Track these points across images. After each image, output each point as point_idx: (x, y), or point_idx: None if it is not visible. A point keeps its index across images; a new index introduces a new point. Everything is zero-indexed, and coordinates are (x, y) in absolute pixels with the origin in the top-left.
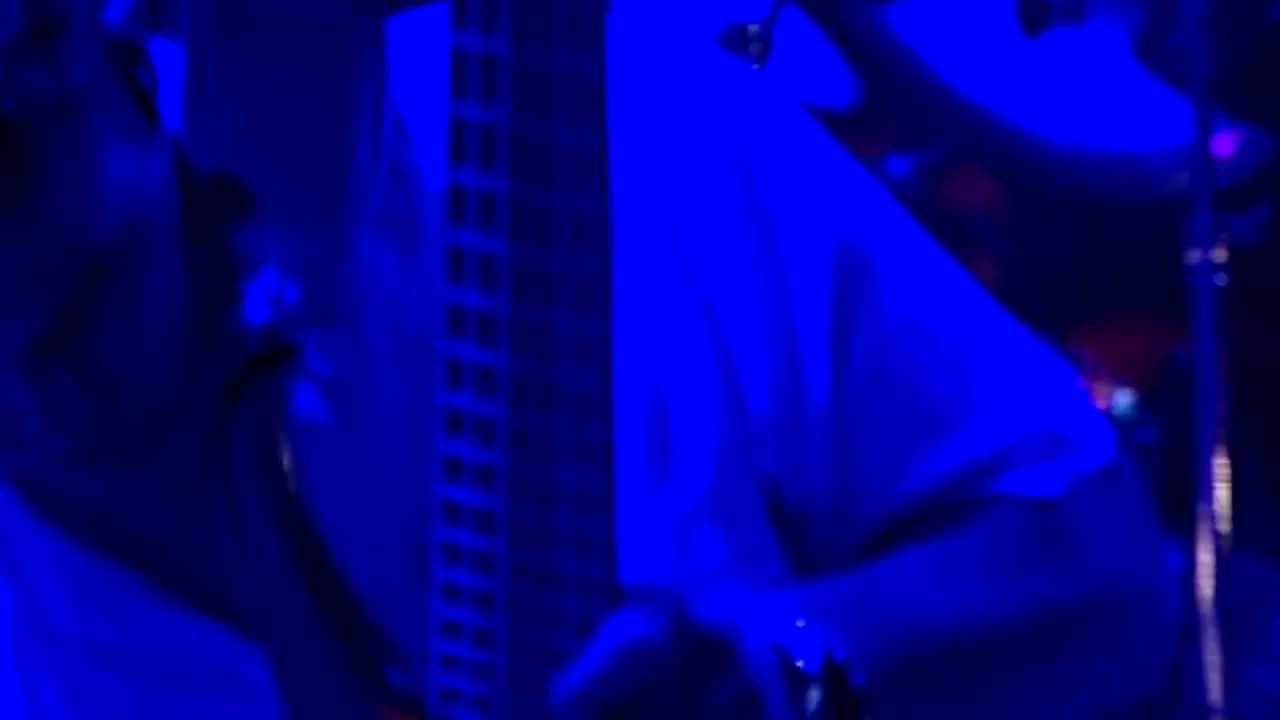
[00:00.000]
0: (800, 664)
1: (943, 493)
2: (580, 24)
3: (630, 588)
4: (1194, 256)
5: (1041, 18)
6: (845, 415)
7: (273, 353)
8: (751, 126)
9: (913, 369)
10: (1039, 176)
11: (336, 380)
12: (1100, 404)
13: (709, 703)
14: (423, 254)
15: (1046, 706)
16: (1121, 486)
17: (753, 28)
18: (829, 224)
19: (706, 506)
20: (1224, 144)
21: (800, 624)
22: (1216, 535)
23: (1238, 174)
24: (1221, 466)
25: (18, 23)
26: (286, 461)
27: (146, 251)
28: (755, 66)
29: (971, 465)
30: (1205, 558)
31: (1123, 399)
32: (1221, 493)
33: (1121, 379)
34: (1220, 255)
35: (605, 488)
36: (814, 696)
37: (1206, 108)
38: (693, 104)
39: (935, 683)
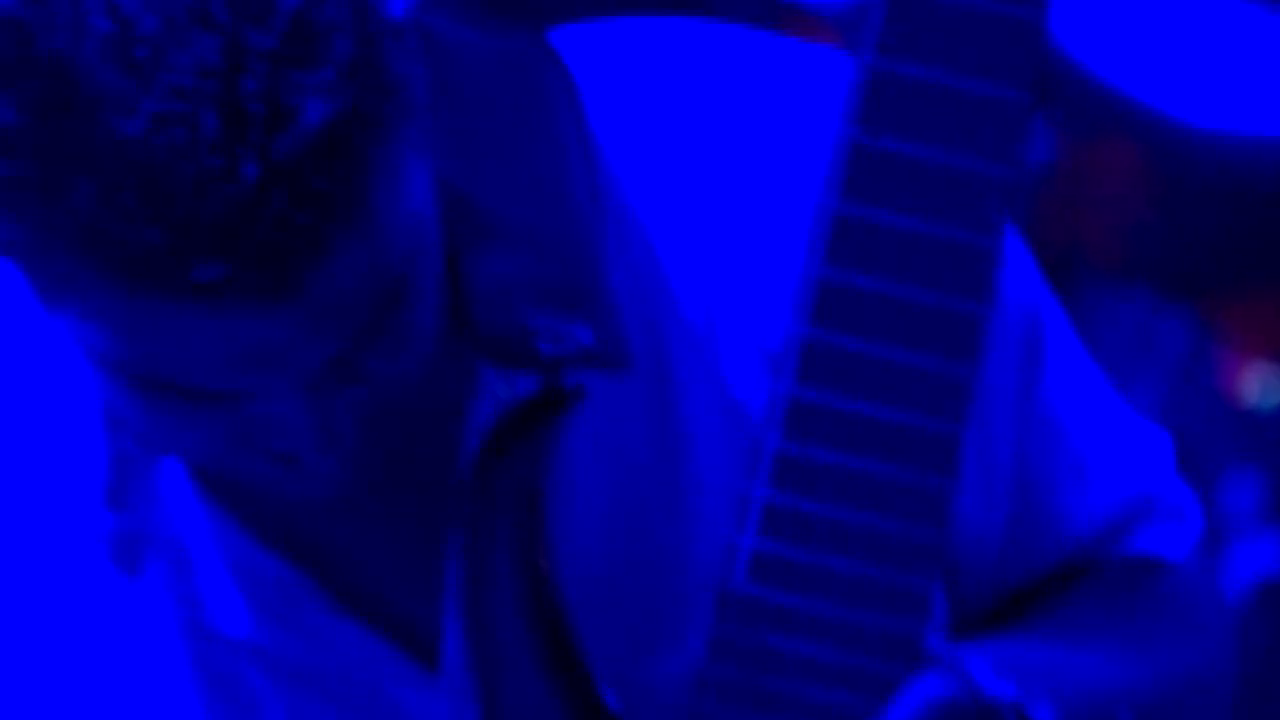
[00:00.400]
0: None
1: (1089, 549)
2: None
3: (927, 650)
4: None
5: None
6: (1021, 475)
7: (551, 396)
8: None
9: (1063, 431)
10: (1182, 163)
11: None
12: (1250, 388)
13: None
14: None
15: None
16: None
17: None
18: (1018, 287)
19: None
20: None
21: (1026, 688)
22: None
23: None
24: None
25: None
26: (540, 515)
27: (422, 273)
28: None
29: (1112, 520)
30: None
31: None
32: None
33: (1268, 362)
34: None
35: (928, 586)
36: None
37: None
38: None
39: None
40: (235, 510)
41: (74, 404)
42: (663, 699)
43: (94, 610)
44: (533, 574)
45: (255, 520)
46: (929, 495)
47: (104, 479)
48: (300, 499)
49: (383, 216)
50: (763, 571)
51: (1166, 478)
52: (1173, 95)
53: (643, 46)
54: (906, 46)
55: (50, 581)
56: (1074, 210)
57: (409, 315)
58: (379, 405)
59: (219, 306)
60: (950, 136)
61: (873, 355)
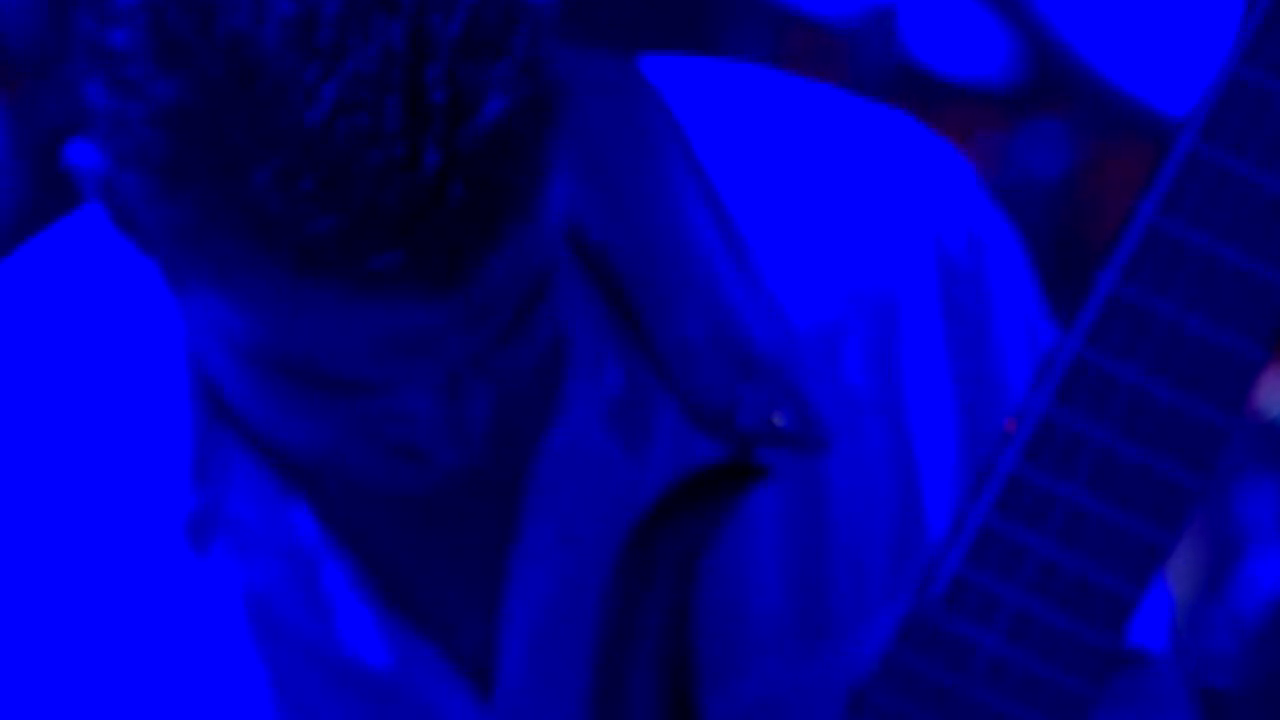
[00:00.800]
0: None
1: None
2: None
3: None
4: None
5: None
6: None
7: (737, 470)
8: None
9: None
10: None
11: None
12: (1268, 399)
13: None
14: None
15: None
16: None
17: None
18: (1037, 333)
19: None
20: None
21: None
22: None
23: None
24: None
25: None
26: (693, 588)
27: (553, 279)
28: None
29: None
30: None
31: None
32: None
33: None
34: None
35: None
36: None
37: None
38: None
39: None
40: (310, 500)
41: (162, 379)
42: None
43: (166, 586)
44: (675, 644)
45: (328, 514)
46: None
47: (189, 455)
48: (398, 494)
49: (545, 211)
50: (959, 601)
51: None
52: (1187, 99)
53: (729, 95)
54: (1194, 214)
55: (128, 554)
56: (1092, 217)
57: (541, 318)
58: (499, 406)
59: (387, 295)
60: (1214, 308)
61: (1106, 446)
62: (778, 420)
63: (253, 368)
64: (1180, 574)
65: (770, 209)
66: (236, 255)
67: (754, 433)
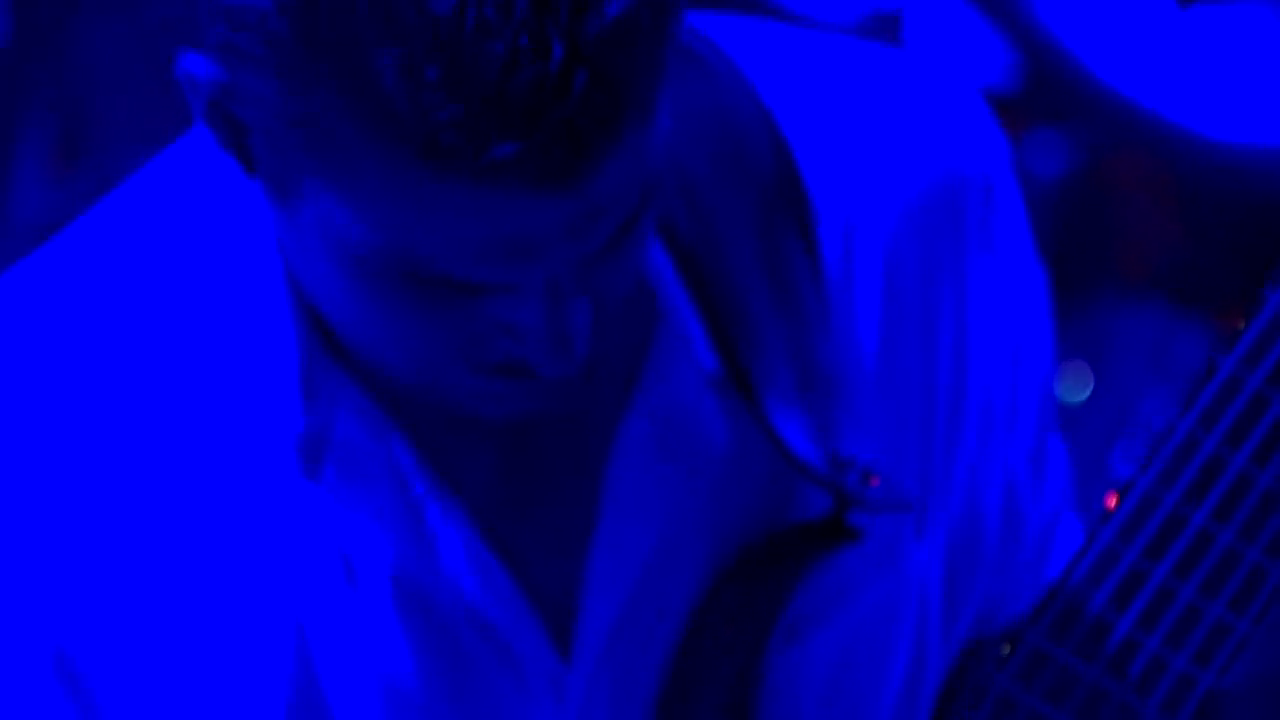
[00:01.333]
0: None
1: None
2: None
3: None
4: None
5: None
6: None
7: (829, 530)
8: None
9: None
10: (1200, 175)
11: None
12: None
13: None
14: None
15: None
16: None
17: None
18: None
19: None
20: None
21: None
22: None
23: None
24: None
25: None
26: (765, 645)
27: (652, 205)
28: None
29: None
30: None
31: None
32: None
33: None
34: None
35: None
36: None
37: None
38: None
39: None
40: (409, 435)
41: (268, 300)
42: None
43: (276, 510)
44: (740, 696)
45: (426, 450)
46: None
47: (297, 377)
48: (498, 417)
49: (658, 116)
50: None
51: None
52: (1190, 107)
53: (794, 56)
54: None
55: (241, 476)
56: (1092, 223)
57: (640, 237)
58: (597, 328)
59: (507, 187)
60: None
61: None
62: (874, 484)
63: (364, 276)
64: None
65: (833, 148)
66: (359, 147)
67: (855, 496)
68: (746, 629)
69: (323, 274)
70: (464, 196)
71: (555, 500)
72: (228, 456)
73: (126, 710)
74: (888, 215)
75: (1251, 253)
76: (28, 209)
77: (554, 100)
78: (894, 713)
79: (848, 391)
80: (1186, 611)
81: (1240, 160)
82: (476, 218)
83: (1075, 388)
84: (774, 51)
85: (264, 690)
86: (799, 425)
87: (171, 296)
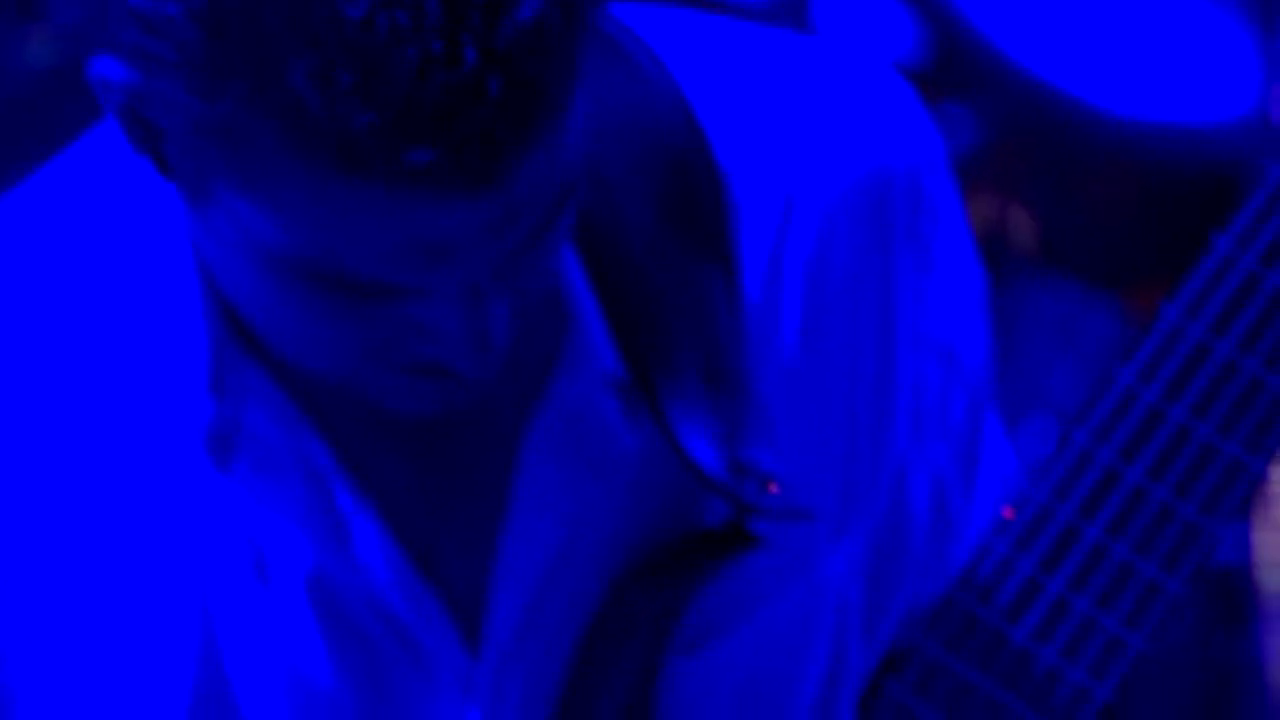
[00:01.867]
0: None
1: None
2: None
3: None
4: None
5: None
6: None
7: (729, 537)
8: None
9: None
10: (1103, 151)
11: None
12: None
13: None
14: None
15: None
16: None
17: None
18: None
19: None
20: None
21: None
22: None
23: None
24: None
25: None
26: (664, 646)
27: (572, 205)
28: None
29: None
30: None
31: None
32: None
33: None
34: None
35: None
36: None
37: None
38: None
39: None
40: (322, 428)
41: (178, 291)
42: None
43: (184, 503)
44: (641, 696)
45: (338, 444)
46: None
47: (206, 368)
48: (413, 415)
49: (575, 115)
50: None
51: None
52: (1092, 83)
53: (708, 42)
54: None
55: (150, 468)
56: (996, 199)
57: (559, 237)
58: (514, 327)
59: (423, 193)
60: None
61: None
62: (774, 491)
63: (279, 277)
64: None
65: (750, 139)
66: (273, 154)
67: (753, 504)
68: (646, 633)
69: (237, 272)
70: (380, 202)
71: (467, 497)
72: (137, 448)
73: (36, 703)
74: (810, 214)
75: (1158, 229)
76: None
77: (468, 105)
78: (810, 717)
79: (760, 396)
80: (1119, 571)
81: (1146, 137)
82: (393, 222)
83: None
84: (696, 42)
85: (168, 684)
86: (700, 430)
87: (79, 287)
